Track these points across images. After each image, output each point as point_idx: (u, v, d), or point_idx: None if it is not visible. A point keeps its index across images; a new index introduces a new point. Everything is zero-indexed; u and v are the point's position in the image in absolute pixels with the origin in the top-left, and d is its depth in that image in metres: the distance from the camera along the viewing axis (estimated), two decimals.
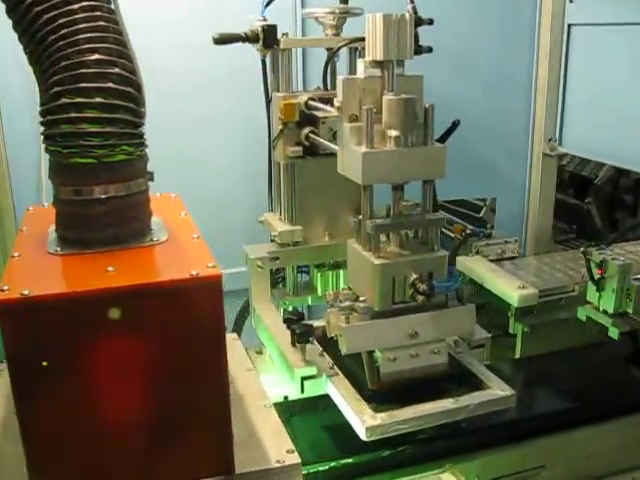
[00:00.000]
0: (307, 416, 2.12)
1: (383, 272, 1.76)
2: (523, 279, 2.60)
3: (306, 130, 2.14)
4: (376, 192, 1.77)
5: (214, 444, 1.37)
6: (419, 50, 2.09)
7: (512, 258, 2.86)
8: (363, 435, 1.72)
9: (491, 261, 2.79)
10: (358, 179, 1.73)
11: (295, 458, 1.46)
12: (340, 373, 1.92)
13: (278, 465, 1.44)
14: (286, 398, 2.14)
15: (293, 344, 1.96)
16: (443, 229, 3.01)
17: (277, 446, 1.51)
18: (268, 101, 2.27)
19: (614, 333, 2.21)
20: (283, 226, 2.27)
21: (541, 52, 2.91)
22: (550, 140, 2.97)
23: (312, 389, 1.92)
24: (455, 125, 1.88)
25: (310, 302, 2.44)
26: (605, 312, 2.22)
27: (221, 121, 2.71)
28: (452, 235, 2.92)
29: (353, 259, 1.89)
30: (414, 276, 1.77)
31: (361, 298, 1.80)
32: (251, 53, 2.20)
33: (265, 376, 2.18)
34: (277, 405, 1.75)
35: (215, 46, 2.09)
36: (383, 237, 1.85)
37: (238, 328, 2.53)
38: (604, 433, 2.14)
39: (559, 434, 2.08)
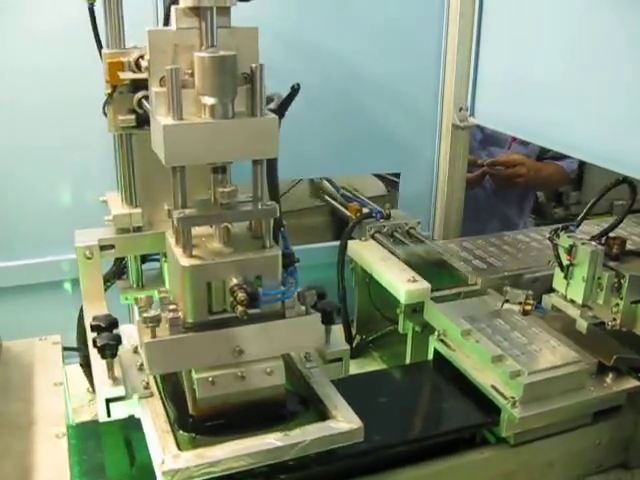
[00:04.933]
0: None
1: (194, 275, 1.40)
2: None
3: (139, 95, 1.75)
4: None
5: None
6: None
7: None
8: None
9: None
10: (162, 158, 1.37)
11: None
12: (157, 393, 1.58)
13: None
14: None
15: (102, 357, 1.60)
16: (341, 207, 2.68)
17: None
18: None
19: (582, 326, 1.93)
20: (120, 208, 1.91)
21: (452, 7, 2.53)
22: (461, 110, 2.61)
23: (121, 413, 1.57)
24: (295, 90, 1.52)
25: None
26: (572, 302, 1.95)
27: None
28: (348, 215, 2.58)
29: (170, 256, 1.53)
30: (234, 281, 1.42)
31: (171, 306, 1.45)
32: None
33: None
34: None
35: None
36: (206, 230, 1.51)
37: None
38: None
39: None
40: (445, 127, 2.66)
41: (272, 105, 1.54)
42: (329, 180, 2.82)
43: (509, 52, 2.43)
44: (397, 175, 2.80)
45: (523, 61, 2.37)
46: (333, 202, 2.73)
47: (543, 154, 3.42)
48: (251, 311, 1.42)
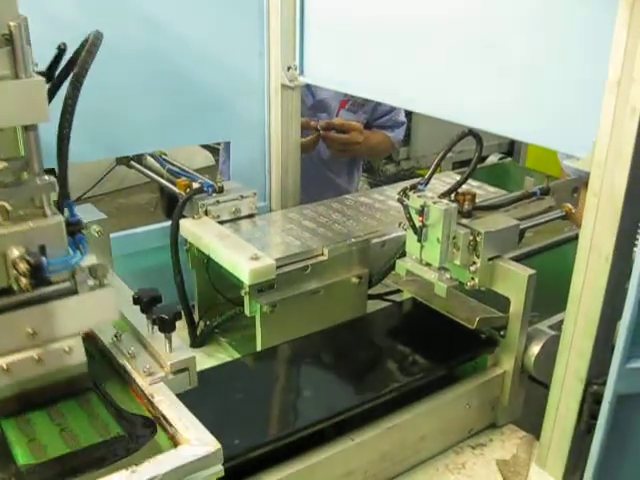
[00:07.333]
0: None
1: None
2: (258, 245, 2.07)
3: None
4: None
5: None
6: None
7: (250, 216, 2.32)
8: None
9: (223, 222, 2.25)
10: None
11: None
12: None
13: None
14: None
15: None
16: (169, 184, 2.43)
17: None
18: None
19: (441, 290, 1.80)
20: None
21: None
22: (289, 69, 2.40)
23: None
24: (62, 50, 1.31)
25: None
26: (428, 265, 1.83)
27: None
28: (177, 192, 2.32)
29: None
30: (16, 253, 1.24)
31: None
32: None
33: None
34: None
35: None
36: None
37: None
38: None
39: None
40: (274, 88, 2.44)
41: None
42: (152, 155, 2.56)
43: (336, 4, 2.25)
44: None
45: (350, 13, 2.20)
46: (159, 179, 2.47)
47: (371, 123, 3.32)
48: (41, 290, 1.29)
